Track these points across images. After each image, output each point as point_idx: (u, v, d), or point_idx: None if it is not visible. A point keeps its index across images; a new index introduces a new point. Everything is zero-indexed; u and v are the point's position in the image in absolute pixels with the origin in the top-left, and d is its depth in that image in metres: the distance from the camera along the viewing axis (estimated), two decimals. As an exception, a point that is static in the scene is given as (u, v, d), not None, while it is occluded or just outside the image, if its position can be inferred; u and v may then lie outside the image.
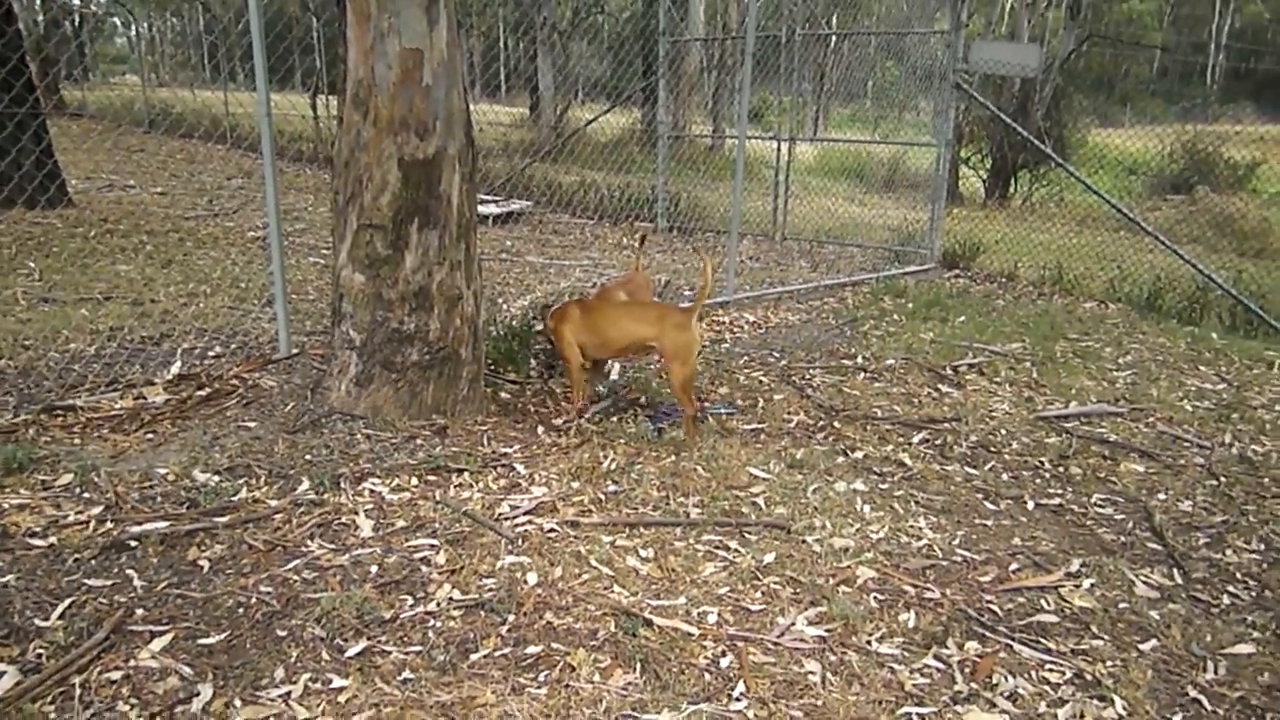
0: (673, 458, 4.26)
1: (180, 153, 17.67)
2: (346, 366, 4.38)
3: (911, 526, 3.79)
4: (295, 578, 3.03)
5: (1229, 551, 3.83)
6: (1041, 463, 4.72)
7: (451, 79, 4.26)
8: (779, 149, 11.62)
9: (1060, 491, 4.36)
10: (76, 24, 36.29)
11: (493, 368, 5.16)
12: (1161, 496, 4.39)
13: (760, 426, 4.92)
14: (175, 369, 4.90)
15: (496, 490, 3.76)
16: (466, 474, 3.87)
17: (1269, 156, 17.94)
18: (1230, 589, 3.49)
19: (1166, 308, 8.86)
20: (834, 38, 14.68)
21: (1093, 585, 3.38)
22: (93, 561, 3.07)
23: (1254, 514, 4.25)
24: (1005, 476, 4.50)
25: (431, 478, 3.82)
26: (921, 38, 12.03)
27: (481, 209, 11.78)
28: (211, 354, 5.34)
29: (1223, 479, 4.65)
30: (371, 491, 3.65)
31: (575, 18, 21.22)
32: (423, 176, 4.23)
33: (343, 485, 3.67)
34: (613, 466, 4.07)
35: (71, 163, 12.64)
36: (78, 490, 3.56)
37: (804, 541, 3.54)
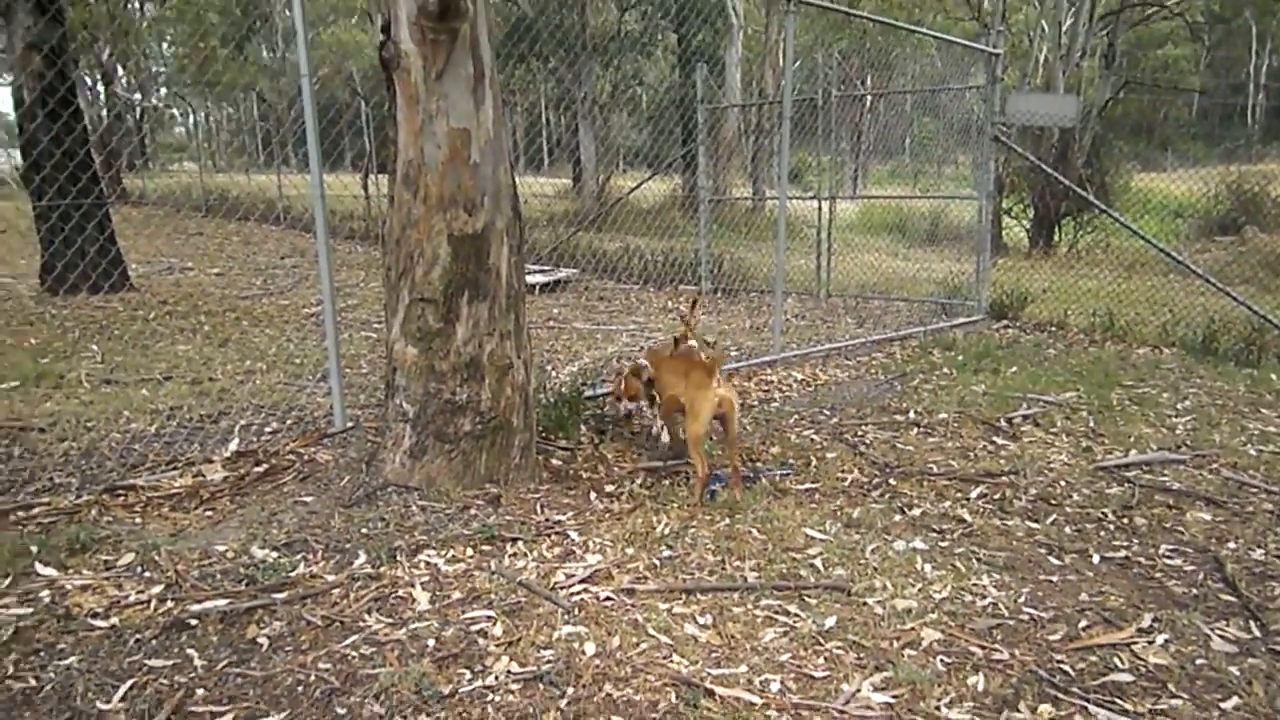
0: (727, 521, 4.23)
1: (236, 235, 18.19)
2: (400, 439, 4.42)
3: (975, 585, 3.72)
4: (353, 653, 3.03)
5: (1307, 603, 3.71)
6: (1104, 514, 4.61)
7: (498, 156, 4.35)
8: (819, 207, 11.67)
9: (1126, 543, 4.26)
10: (139, 116, 37.71)
11: (544, 435, 5.18)
12: (1232, 545, 4.27)
13: (814, 486, 4.88)
14: (233, 446, 4.99)
15: (551, 559, 3.76)
16: (521, 543, 3.87)
17: (1317, 195, 17.69)
18: (1312, 641, 3.37)
19: (1222, 350, 8.68)
20: (870, 97, 14.81)
21: (1167, 641, 3.28)
22: (154, 641, 3.10)
23: (1331, 563, 4.11)
24: (1068, 530, 4.41)
25: (486, 547, 3.83)
26: (957, 93, 12.09)
27: (529, 278, 11.95)
28: (268, 430, 5.43)
29: (1295, 526, 4.51)
30: (427, 563, 3.66)
31: (614, 90, 21.62)
32: (472, 250, 4.31)
33: (399, 558, 3.69)
34: (666, 531, 4.05)
35: (132, 248, 13.05)
36: (139, 569, 3.62)
37: (865, 603, 3.48)
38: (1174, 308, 10.14)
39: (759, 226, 15.41)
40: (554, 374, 7.23)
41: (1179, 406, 6.65)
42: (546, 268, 12.73)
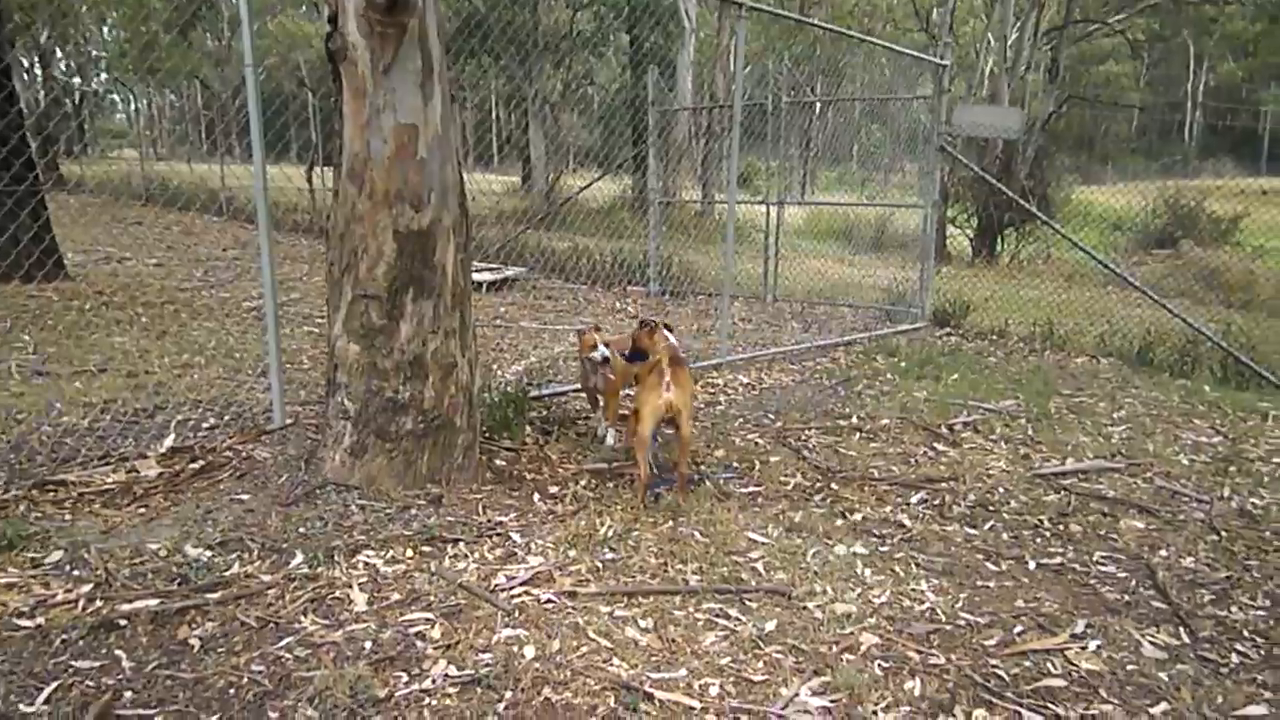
0: (670, 523, 4.23)
1: (177, 225, 17.79)
2: (341, 437, 4.35)
3: (913, 590, 3.75)
4: (288, 656, 2.98)
5: (1234, 609, 3.79)
6: (1041, 521, 4.69)
7: (445, 152, 4.30)
8: (768, 212, 11.74)
9: (1061, 550, 4.33)
10: (78, 101, 36.77)
11: (488, 435, 5.14)
12: (1164, 553, 4.36)
13: (757, 489, 4.90)
14: (169, 442, 4.87)
15: (492, 560, 3.72)
16: (462, 544, 3.83)
17: (1251, 210, 18.20)
18: (1238, 647, 3.45)
19: (1158, 361, 8.89)
20: (819, 104, 14.92)
21: (1099, 647, 3.34)
22: (81, 642, 3.02)
23: (1257, 569, 4.22)
24: (1005, 536, 4.47)
25: (426, 548, 3.78)
26: (905, 102, 12.24)
27: (476, 276, 11.84)
28: (206, 426, 5.31)
29: (1224, 533, 4.62)
30: (365, 564, 3.61)
31: (565, 89, 21.57)
32: (418, 247, 4.25)
33: (336, 558, 3.62)
34: (609, 534, 4.03)
35: (68, 236, 12.72)
36: (67, 568, 3.52)
37: (805, 608, 3.49)
38: (1111, 318, 10.36)
39: (708, 229, 15.47)
40: (500, 373, 7.18)
41: (1115, 416, 6.78)
42: (494, 266, 12.64)
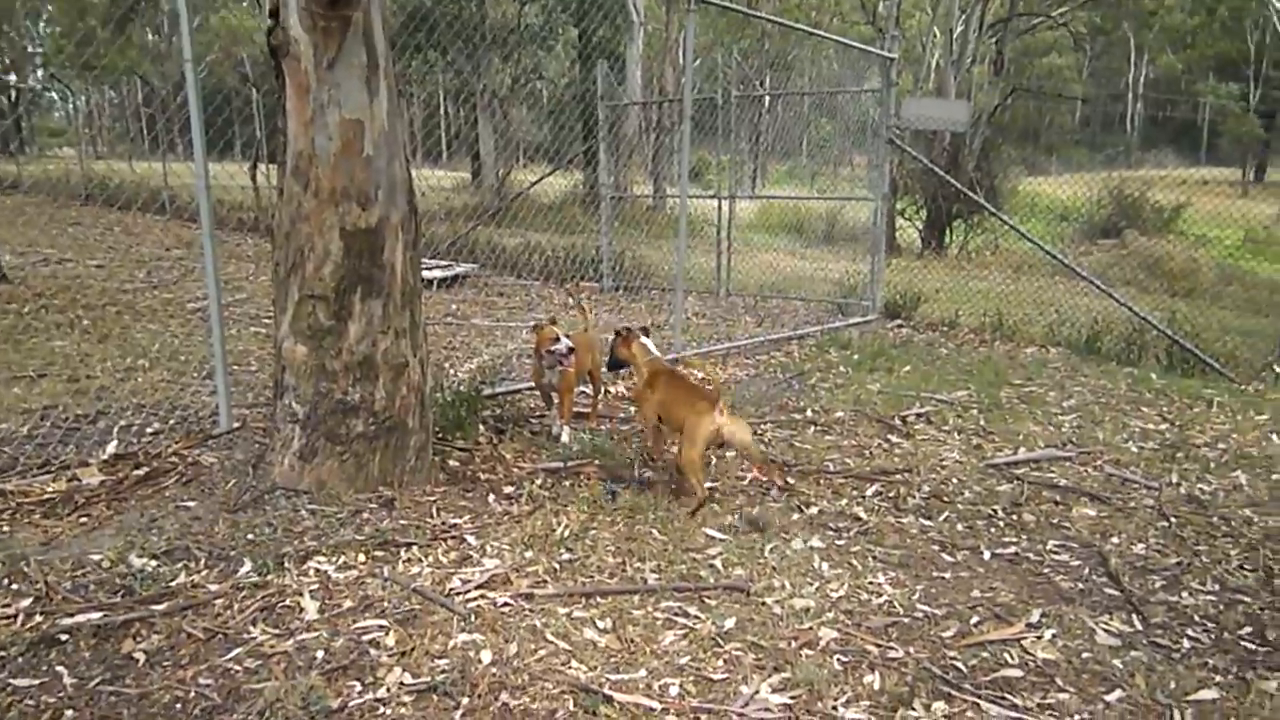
0: (627, 522, 4.19)
1: (118, 225, 17.38)
2: (289, 440, 4.26)
3: (871, 583, 3.76)
4: (237, 667, 2.90)
5: (1185, 594, 3.85)
6: (995, 511, 4.73)
7: (393, 149, 4.23)
8: (719, 206, 11.74)
9: (1015, 540, 4.36)
10: (13, 99, 35.84)
11: (440, 435, 5.06)
12: (1115, 540, 4.41)
13: (713, 485, 4.88)
14: (111, 448, 4.74)
15: (447, 564, 3.66)
16: (416, 548, 3.76)
17: (1192, 199, 18.60)
18: (1190, 632, 3.49)
19: (1105, 350, 9.03)
20: (768, 98, 14.96)
21: (1054, 636, 3.36)
22: (20, 659, 2.91)
23: (1206, 554, 4.28)
24: (960, 527, 4.50)
25: (379, 553, 3.70)
26: (854, 95, 12.31)
27: (427, 273, 11.71)
28: (150, 431, 5.17)
29: (1173, 520, 4.69)
30: (316, 570, 3.53)
31: (514, 84, 21.42)
32: (365, 246, 4.17)
33: (286, 565, 3.54)
34: (566, 533, 3.98)
35: (4, 238, 12.38)
36: (6, 581, 3.39)
37: (764, 603, 3.48)
38: (1059, 308, 10.51)
39: (660, 224, 15.44)
40: (452, 372, 7.10)
41: (1065, 405, 6.87)
42: (445, 263, 12.51)
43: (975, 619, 3.49)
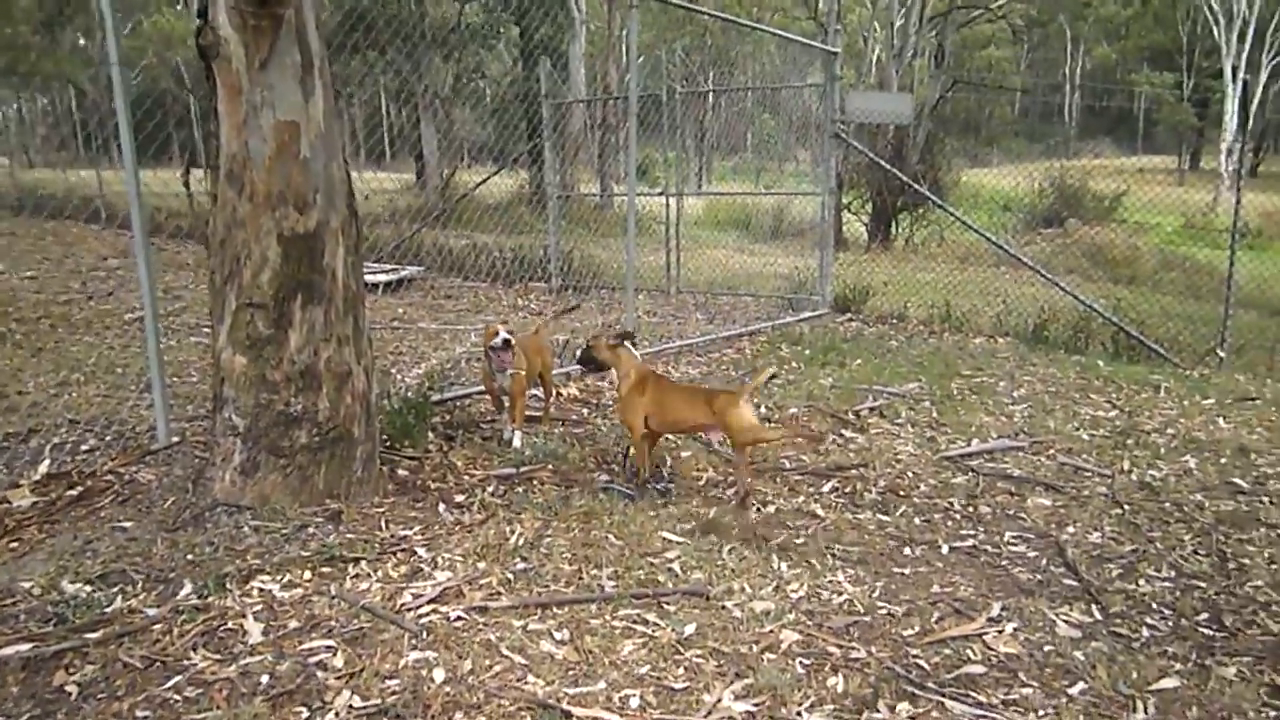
0: (582, 528, 4.10)
1: (52, 235, 16.89)
2: (230, 454, 4.11)
3: (830, 581, 3.71)
4: (176, 697, 2.76)
5: (1142, 581, 3.86)
6: (951, 504, 4.72)
7: (330, 150, 4.10)
8: (667, 204, 11.68)
9: (972, 532, 4.35)
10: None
11: (388, 444, 4.93)
12: (1071, 530, 4.42)
13: (669, 485, 4.81)
14: (44, 468, 4.55)
15: (397, 578, 3.54)
16: (364, 563, 3.63)
17: (1130, 187, 18.91)
18: (1148, 620, 3.50)
19: (1052, 339, 9.13)
20: (712, 94, 14.94)
21: (1015, 629, 3.34)
22: (-56, 697, 2.76)
23: (1160, 540, 4.31)
24: (917, 521, 4.48)
25: (326, 570, 3.57)
26: (796, 91, 12.32)
27: (371, 277, 11.52)
28: (85, 448, 4.98)
29: (1127, 507, 4.72)
30: (260, 590, 3.39)
31: (456, 83, 21.17)
32: (304, 251, 4.04)
33: (228, 586, 3.39)
34: (520, 542, 3.88)
35: (-72, 251, 11.96)
36: (-71, 614, 3.23)
37: (724, 607, 3.41)
38: (1006, 298, 10.61)
39: (608, 223, 15.36)
40: (399, 377, 6.95)
41: (1015, 395, 6.91)
42: (390, 266, 12.32)
43: (936, 615, 3.46)
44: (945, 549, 4.14)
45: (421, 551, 3.77)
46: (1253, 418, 6.47)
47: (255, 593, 3.38)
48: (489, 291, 11.94)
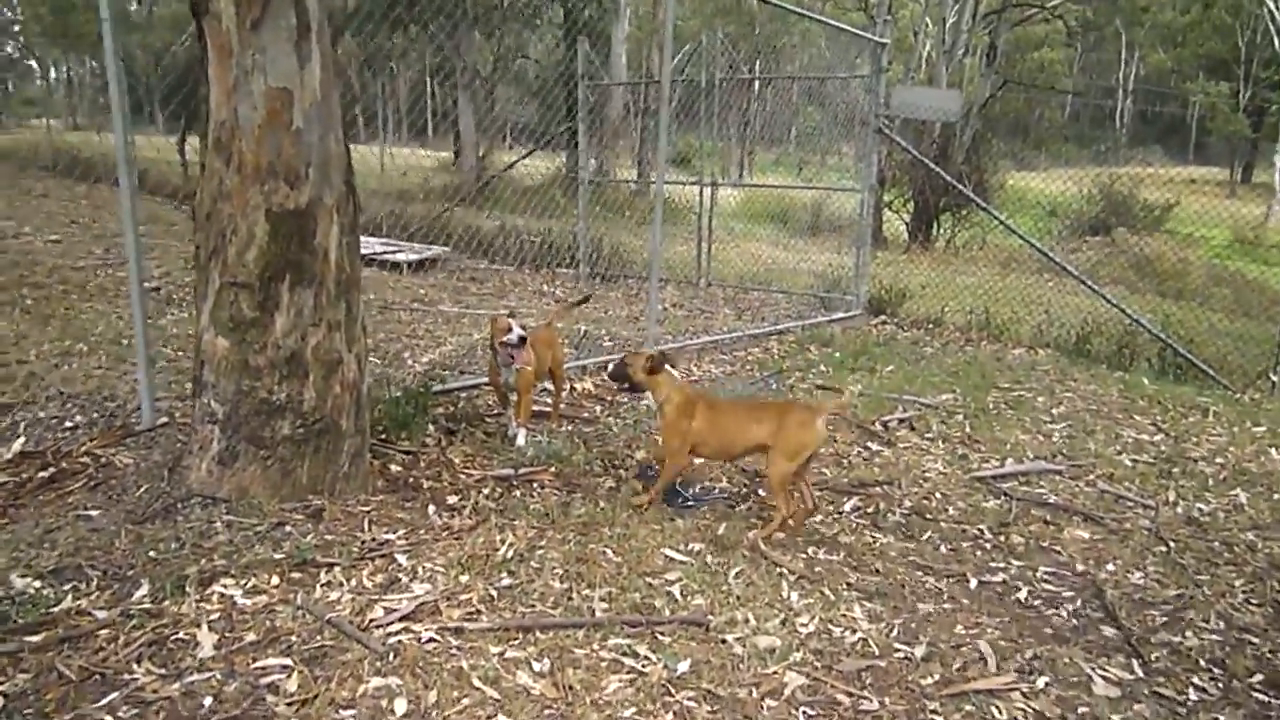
0: (580, 539, 3.80)
1: (85, 199, 16.82)
2: (208, 443, 3.85)
3: (844, 615, 3.39)
4: (108, 718, 2.50)
5: (1188, 633, 3.51)
6: (981, 531, 4.37)
7: (327, 121, 3.81)
8: (701, 193, 11.33)
9: (1003, 565, 4.01)
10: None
11: (384, 436, 4.65)
12: (1110, 567, 4.07)
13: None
14: (18, 445, 4.31)
15: (371, 588, 3.26)
16: (338, 569, 3.35)
17: (1182, 198, 18.30)
18: (1195, 680, 3.15)
19: (1095, 353, 8.70)
20: (757, 83, 14.54)
21: (1047, 684, 3.00)
22: None
23: (1208, 585, 3.95)
24: (944, 549, 4.14)
25: (296, 575, 3.29)
26: (843, 84, 11.91)
27: (397, 255, 11.30)
28: (68, 425, 4.75)
29: (1171, 544, 4.36)
30: (221, 596, 3.11)
31: (497, 62, 20.87)
32: (294, 229, 3.76)
33: (187, 589, 3.12)
34: (510, 553, 3.58)
35: (-48, 210, 11.86)
36: None
37: (724, 641, 3.10)
38: (1048, 307, 10.18)
39: (643, 210, 15.01)
40: (411, 362, 6.69)
41: (1054, 411, 6.52)
42: (417, 245, 12.08)
43: (959, 662, 3.13)
44: (973, 583, 3.80)
45: (402, 559, 3.48)
46: (1309, 449, 6.06)
47: (215, 598, 3.10)
48: (515, 276, 11.66)
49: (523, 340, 4.68)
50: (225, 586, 3.16)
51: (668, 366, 4.37)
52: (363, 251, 11.26)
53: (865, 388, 6.79)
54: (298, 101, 3.68)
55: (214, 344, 3.80)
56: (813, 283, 11.41)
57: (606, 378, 4.61)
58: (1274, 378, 7.84)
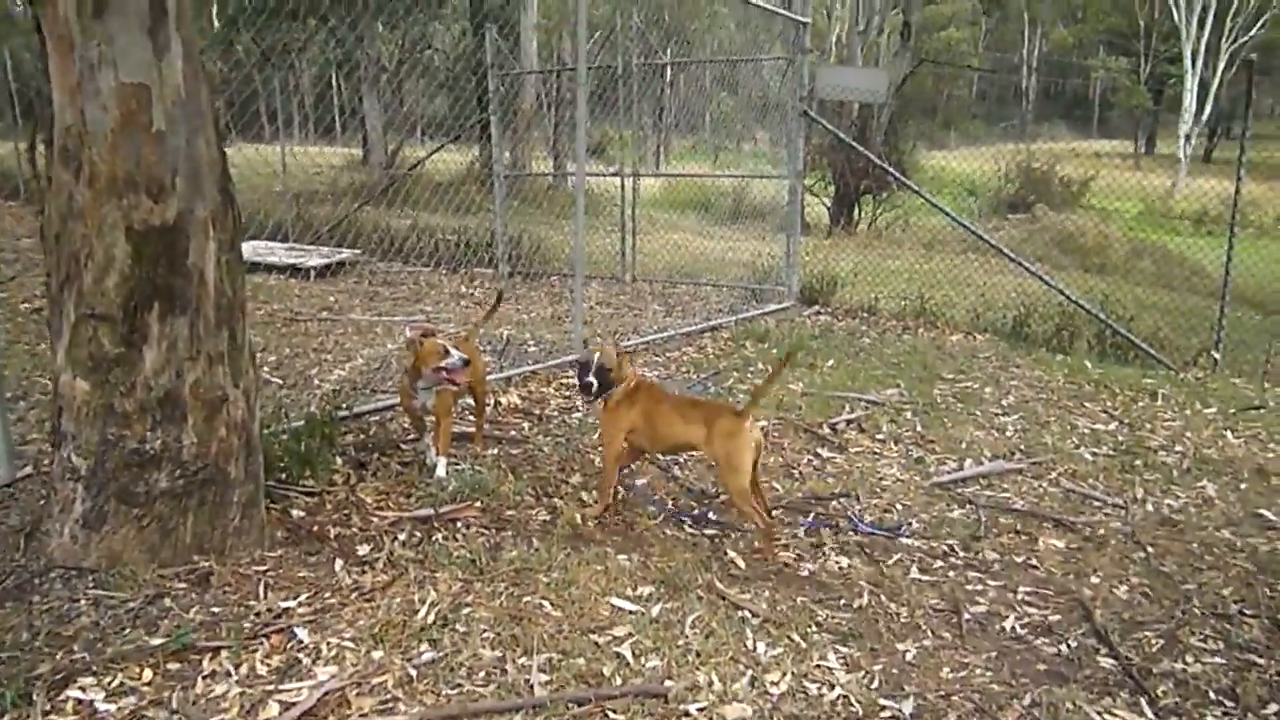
0: (512, 591, 3.33)
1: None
2: (70, 503, 3.29)
3: (819, 667, 2.98)
4: None
5: (1189, 657, 3.19)
6: (951, 547, 4.03)
7: (195, 122, 3.26)
8: (622, 184, 10.86)
9: (980, 588, 3.66)
10: None
11: (284, 476, 4.09)
12: (1094, 580, 3.77)
13: (620, 520, 4.07)
14: None
15: (265, 676, 2.74)
16: (225, 653, 2.81)
17: (1100, 172, 18.46)
18: (1209, 717, 2.82)
19: (1034, 336, 8.48)
20: (670, 70, 14.13)
21: (1054, 740, 2.64)
22: None
23: (1198, 595, 3.66)
24: (915, 572, 3.77)
25: (174, 666, 2.75)
26: (755, 68, 11.56)
27: (303, 261, 10.62)
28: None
29: (1150, 549, 4.08)
30: (78, 702, 2.55)
31: (402, 54, 20.08)
32: (162, 248, 3.21)
33: (35, 696, 2.56)
34: (431, 616, 3.09)
35: None
36: None
37: (687, 715, 2.67)
38: (980, 289, 9.98)
39: (561, 204, 14.49)
40: (318, 382, 6.12)
41: (1004, 403, 6.24)
42: (325, 249, 11.40)
43: (953, 717, 2.75)
44: (952, 616, 3.43)
45: (303, 634, 2.96)
46: (1262, 431, 5.86)
47: (70, 705, 2.54)
48: (430, 277, 11.05)
49: (466, 363, 4.15)
50: (84, 688, 2.61)
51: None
52: (267, 259, 10.69)
53: (807, 385, 6.42)
54: (157, 99, 3.12)
55: (72, 387, 3.23)
56: (742, 273, 11.05)
57: (579, 387, 4.16)
58: (1215, 355, 7.69)
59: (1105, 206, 18.74)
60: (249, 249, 11.13)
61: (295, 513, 3.89)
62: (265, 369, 6.37)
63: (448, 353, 4.13)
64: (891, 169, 10.81)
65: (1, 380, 3.96)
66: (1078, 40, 51.80)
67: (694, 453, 4.63)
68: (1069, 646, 3.23)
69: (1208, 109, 34.57)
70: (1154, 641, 3.29)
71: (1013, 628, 3.35)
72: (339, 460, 4.44)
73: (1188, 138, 33.26)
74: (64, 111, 3.11)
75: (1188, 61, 34.42)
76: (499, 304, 5.19)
